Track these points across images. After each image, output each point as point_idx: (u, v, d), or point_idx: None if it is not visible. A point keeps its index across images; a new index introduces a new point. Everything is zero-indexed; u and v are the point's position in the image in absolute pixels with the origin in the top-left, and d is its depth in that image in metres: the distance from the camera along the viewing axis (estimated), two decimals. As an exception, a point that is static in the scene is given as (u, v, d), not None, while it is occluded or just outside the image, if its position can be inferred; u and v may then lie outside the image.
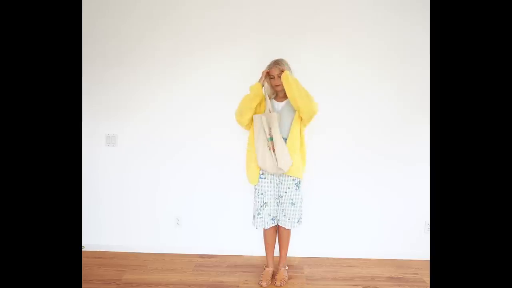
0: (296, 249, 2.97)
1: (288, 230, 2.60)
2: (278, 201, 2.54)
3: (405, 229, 2.95)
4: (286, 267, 2.71)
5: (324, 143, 2.87)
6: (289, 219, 2.52)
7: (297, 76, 2.71)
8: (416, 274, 2.72)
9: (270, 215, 2.55)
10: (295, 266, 2.84)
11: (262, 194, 2.53)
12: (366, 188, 2.94)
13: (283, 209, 2.53)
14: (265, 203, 2.54)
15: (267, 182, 2.53)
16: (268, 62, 2.51)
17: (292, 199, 2.50)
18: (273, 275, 2.64)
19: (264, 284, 2.54)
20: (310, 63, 2.82)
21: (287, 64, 2.47)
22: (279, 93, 2.55)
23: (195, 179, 2.99)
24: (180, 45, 2.87)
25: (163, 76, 2.91)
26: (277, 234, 2.67)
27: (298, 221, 2.56)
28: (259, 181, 2.53)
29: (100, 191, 3.04)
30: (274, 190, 2.54)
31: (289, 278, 2.64)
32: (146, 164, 3.00)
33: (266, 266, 2.68)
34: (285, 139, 2.47)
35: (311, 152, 2.70)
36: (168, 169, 3.00)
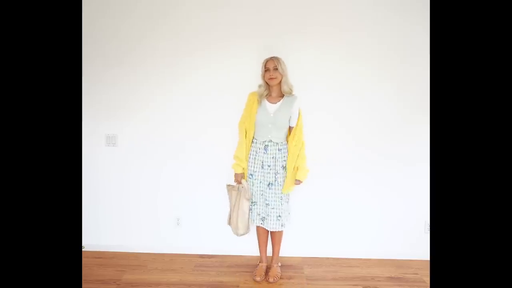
0: (296, 249, 2.97)
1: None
2: (267, 203, 2.56)
3: (405, 229, 2.95)
4: (279, 264, 2.74)
5: (324, 143, 2.87)
6: (278, 216, 2.56)
7: (297, 76, 2.72)
8: (416, 274, 2.72)
9: (259, 215, 2.60)
10: (295, 266, 2.84)
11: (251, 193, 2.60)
12: (366, 188, 2.94)
13: (285, 210, 2.58)
14: (254, 202, 2.58)
15: (257, 182, 2.56)
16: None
17: (281, 199, 2.58)
18: (267, 271, 2.68)
19: (257, 279, 2.59)
20: (310, 63, 2.82)
21: (283, 62, 2.51)
22: (272, 90, 2.56)
23: (195, 178, 2.98)
24: (180, 45, 2.87)
25: (163, 76, 2.91)
26: (269, 232, 2.72)
27: (287, 220, 2.66)
28: (247, 180, 2.59)
29: (100, 191, 3.04)
30: (263, 191, 2.56)
31: (289, 278, 2.64)
32: (146, 164, 3.00)
33: (260, 262, 2.73)
34: (276, 144, 2.53)
35: (311, 153, 2.69)
36: (168, 169, 2.99)
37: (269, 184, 2.54)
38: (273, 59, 2.49)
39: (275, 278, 2.60)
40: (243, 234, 2.61)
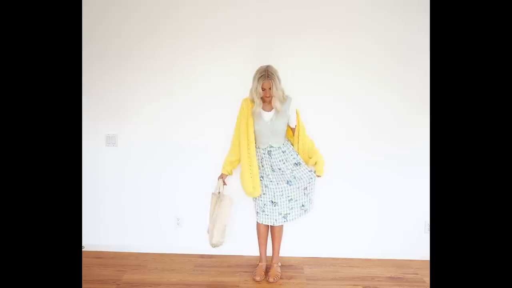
0: (296, 249, 2.97)
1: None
2: (290, 198, 2.58)
3: (405, 229, 2.95)
4: (279, 264, 2.75)
5: (324, 144, 2.86)
6: (302, 206, 2.64)
7: (297, 77, 2.72)
8: (416, 274, 2.72)
9: (280, 214, 2.58)
10: (295, 266, 2.84)
11: (264, 194, 2.58)
12: (366, 188, 2.94)
13: (309, 199, 2.65)
14: (275, 202, 2.56)
15: (273, 184, 2.56)
16: (267, 62, 2.52)
17: (305, 189, 2.64)
18: (267, 271, 2.68)
19: (257, 278, 2.60)
20: (309, 64, 2.82)
21: (277, 73, 2.45)
22: (266, 103, 2.54)
23: (195, 179, 2.98)
24: (180, 45, 2.87)
25: (163, 76, 2.90)
26: (269, 230, 2.73)
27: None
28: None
29: (100, 191, 3.04)
30: (283, 190, 2.56)
31: (289, 278, 2.65)
32: (146, 164, 3.00)
33: (259, 262, 2.73)
34: (278, 148, 2.56)
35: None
36: (168, 169, 2.99)
37: (287, 182, 2.56)
38: (270, 79, 2.39)
39: (275, 278, 2.60)
40: (217, 245, 2.60)
